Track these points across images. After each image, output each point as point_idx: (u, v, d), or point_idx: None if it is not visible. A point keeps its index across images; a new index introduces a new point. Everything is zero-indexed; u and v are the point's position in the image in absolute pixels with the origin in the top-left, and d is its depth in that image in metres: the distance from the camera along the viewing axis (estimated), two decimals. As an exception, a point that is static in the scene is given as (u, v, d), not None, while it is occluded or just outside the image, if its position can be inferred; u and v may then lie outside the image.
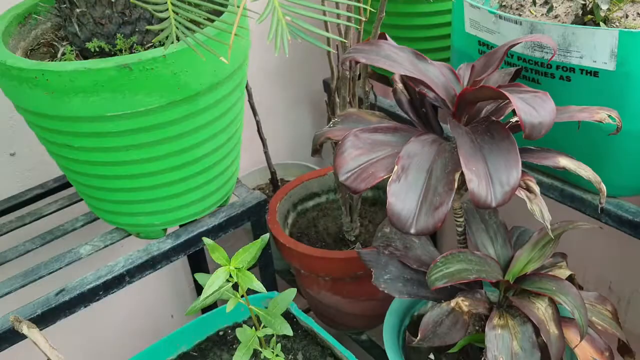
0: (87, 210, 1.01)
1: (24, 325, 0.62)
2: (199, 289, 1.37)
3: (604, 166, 0.85)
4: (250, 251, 0.73)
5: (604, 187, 0.68)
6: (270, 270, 1.10)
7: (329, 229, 1.20)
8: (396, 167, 0.68)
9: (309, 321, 1.05)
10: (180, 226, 0.97)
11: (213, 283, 0.71)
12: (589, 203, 0.90)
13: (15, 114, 1.07)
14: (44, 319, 0.84)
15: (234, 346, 1.08)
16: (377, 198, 1.26)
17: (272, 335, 0.92)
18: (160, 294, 1.42)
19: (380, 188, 1.25)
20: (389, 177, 0.68)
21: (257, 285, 0.72)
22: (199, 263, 1.34)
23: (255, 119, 1.28)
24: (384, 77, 1.28)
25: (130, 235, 0.96)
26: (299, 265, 1.10)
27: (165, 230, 0.95)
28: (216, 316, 1.10)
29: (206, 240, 0.73)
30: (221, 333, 1.09)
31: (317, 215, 1.24)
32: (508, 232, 0.86)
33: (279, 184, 1.39)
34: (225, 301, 0.84)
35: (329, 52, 1.03)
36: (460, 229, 0.83)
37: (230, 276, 0.73)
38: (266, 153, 1.32)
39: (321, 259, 1.06)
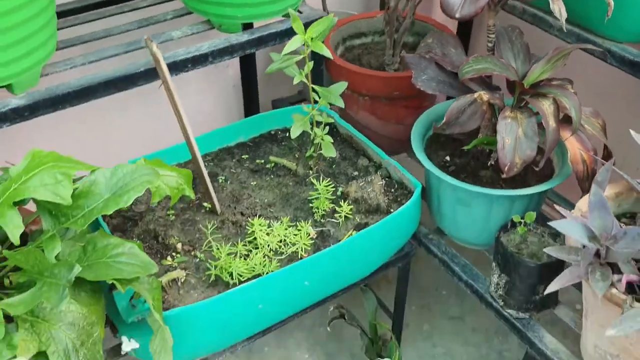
0: (177, 7, 1.20)
1: (153, 45, 0.82)
2: (247, 113, 1.57)
3: (614, 12, 1.02)
4: (322, 24, 0.92)
5: (612, 1, 0.86)
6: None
7: (372, 64, 1.38)
8: (451, -35, 0.85)
9: (347, 126, 1.25)
10: (252, 27, 1.16)
11: (291, 45, 0.90)
12: (599, 45, 1.08)
13: None
14: (145, 75, 1.04)
15: (283, 143, 1.29)
16: (416, 44, 1.43)
17: (321, 122, 1.12)
18: (214, 113, 1.63)
19: (421, 34, 1.42)
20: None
21: (326, 51, 0.92)
22: (251, 89, 1.54)
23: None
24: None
25: (213, 28, 1.15)
26: (344, 84, 1.29)
27: (242, 26, 1.14)
28: (269, 118, 1.30)
29: (290, 11, 0.92)
30: (272, 132, 1.31)
31: (362, 52, 1.42)
32: (529, 54, 1.04)
33: (329, 28, 1.55)
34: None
35: None
36: (490, 45, 1.01)
37: (304, 46, 0.92)
38: (323, -5, 1.48)
39: (365, 75, 1.25)
